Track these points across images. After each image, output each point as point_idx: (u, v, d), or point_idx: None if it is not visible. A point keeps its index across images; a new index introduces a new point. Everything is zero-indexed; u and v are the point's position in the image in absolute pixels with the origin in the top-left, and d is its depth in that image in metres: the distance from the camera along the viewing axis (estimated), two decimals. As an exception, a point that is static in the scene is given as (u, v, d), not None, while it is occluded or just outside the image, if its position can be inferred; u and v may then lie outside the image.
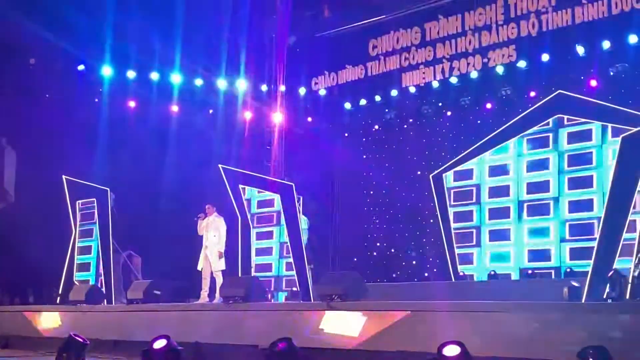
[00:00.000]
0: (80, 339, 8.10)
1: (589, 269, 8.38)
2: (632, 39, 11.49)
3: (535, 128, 10.78)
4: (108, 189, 12.60)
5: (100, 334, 10.40)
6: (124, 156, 14.10)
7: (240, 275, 11.29)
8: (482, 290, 9.87)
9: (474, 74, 13.05)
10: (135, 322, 10.15)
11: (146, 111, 14.58)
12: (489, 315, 6.96)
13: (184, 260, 12.77)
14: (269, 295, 10.82)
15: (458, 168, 11.68)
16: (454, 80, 13.33)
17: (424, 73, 13.56)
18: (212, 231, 11.42)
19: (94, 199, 12.72)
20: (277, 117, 15.31)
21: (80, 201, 13.00)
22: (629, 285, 7.33)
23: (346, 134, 15.82)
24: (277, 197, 11.69)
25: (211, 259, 11.32)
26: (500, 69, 12.81)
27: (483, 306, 7.22)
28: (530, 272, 10.52)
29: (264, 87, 15.23)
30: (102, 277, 12.38)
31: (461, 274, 11.23)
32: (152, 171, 14.37)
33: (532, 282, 10.07)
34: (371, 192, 15.24)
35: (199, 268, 11.45)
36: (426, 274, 13.22)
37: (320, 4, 14.79)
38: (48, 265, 12.94)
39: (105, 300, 11.85)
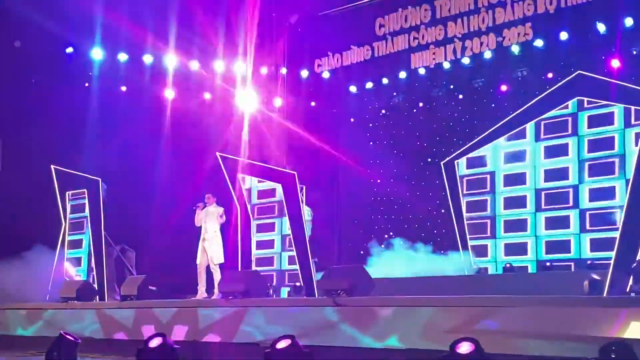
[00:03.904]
0: (71, 338, 8.10)
1: (611, 261, 8.34)
2: (657, 15, 11.38)
3: (554, 111, 10.71)
4: (99, 179, 12.58)
5: (92, 332, 10.41)
6: (116, 144, 14.04)
7: (240, 269, 11.28)
8: (497, 284, 9.86)
9: (487, 54, 12.96)
10: (129, 320, 10.15)
11: (139, 96, 14.51)
12: (505, 310, 6.93)
13: (181, 254, 12.76)
14: (271, 291, 10.82)
15: (471, 155, 11.63)
16: (466, 60, 13.24)
17: (434, 53, 13.45)
18: (211, 222, 11.39)
19: (85, 190, 12.71)
20: (278, 102, 15.26)
21: (70, 192, 12.99)
22: (654, 278, 7.30)
23: (352, 119, 15.76)
24: (278, 187, 11.67)
25: (210, 252, 11.30)
26: (515, 49, 12.71)
27: (498, 301, 7.20)
28: (548, 264, 10.48)
29: (263, 70, 15.15)
30: (94, 273, 12.38)
31: (475, 267, 11.22)
32: (146, 160, 14.35)
33: (551, 276, 10.03)
34: (378, 181, 15.20)
35: (198, 262, 11.45)
36: (439, 268, 13.15)
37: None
38: (37, 260, 12.93)
39: (97, 297, 11.86)
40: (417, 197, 14.32)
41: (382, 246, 14.39)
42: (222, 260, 11.39)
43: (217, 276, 11.13)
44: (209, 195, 11.53)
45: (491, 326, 6.88)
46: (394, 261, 13.77)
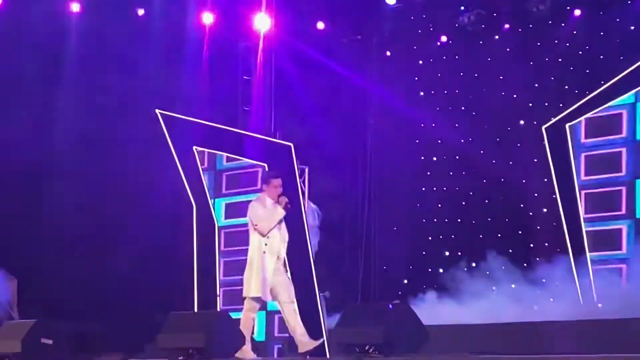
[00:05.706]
0: None
1: None
2: None
3: None
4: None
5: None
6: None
7: (196, 309, 11.50)
8: (633, 334, 9.72)
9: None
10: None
11: (24, 14, 14.45)
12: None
13: (96, 283, 13.00)
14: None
15: (593, 113, 11.72)
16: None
17: (529, -62, 13.52)
18: (284, 230, 10.56)
19: None
20: (262, 23, 15.18)
21: None
22: None
23: (388, 53, 15.73)
24: (262, 169, 11.76)
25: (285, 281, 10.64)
26: None
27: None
28: None
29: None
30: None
31: (600, 305, 11.27)
32: (35, 122, 14.37)
33: None
34: (434, 159, 15.21)
35: (252, 294, 10.75)
36: (535, 307, 13.12)
37: None
38: None
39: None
40: (501, 184, 14.37)
41: (441, 270, 14.35)
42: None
43: (297, 318, 10.24)
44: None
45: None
46: (457, 292, 13.70)
